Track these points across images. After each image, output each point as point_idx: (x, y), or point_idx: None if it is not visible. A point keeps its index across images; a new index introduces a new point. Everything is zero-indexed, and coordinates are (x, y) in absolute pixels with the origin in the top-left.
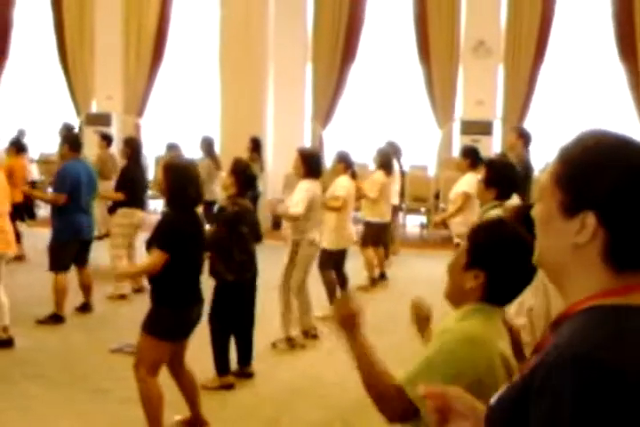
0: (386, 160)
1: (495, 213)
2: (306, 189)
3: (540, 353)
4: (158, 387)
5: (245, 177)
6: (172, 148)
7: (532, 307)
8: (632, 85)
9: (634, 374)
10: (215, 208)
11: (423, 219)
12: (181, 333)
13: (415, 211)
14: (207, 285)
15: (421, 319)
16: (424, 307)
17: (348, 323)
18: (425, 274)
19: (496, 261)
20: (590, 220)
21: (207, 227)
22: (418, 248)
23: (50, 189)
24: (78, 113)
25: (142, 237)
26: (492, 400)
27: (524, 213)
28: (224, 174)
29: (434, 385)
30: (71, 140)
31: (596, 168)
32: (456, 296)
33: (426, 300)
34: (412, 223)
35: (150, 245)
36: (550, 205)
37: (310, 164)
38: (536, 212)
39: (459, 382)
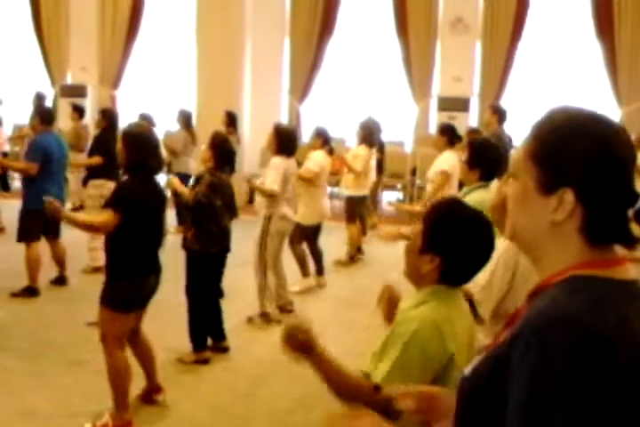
0: (368, 134)
1: (479, 194)
2: (277, 166)
3: (518, 321)
4: (125, 360)
5: (224, 151)
6: (144, 118)
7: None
8: (608, 63)
9: (614, 341)
10: (188, 181)
11: (400, 195)
12: (138, 303)
13: (392, 187)
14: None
15: (390, 303)
16: (396, 291)
17: (303, 349)
18: (399, 249)
19: (450, 244)
20: (568, 197)
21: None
22: (394, 224)
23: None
24: (53, 84)
25: None
26: (466, 371)
27: None
28: (203, 148)
29: (407, 386)
30: (43, 114)
31: (570, 144)
32: (415, 278)
33: (398, 283)
34: (388, 199)
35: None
36: (526, 183)
37: (284, 141)
38: (510, 189)
39: (431, 369)
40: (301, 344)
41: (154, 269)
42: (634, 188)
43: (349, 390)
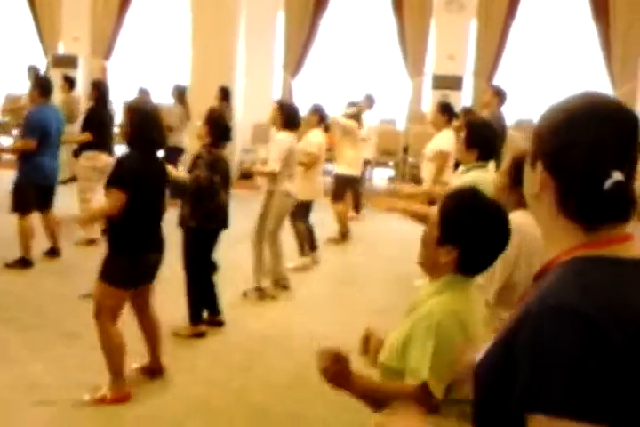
0: (357, 112)
1: (477, 173)
2: (283, 142)
3: (524, 305)
4: (119, 334)
5: (220, 127)
6: (143, 92)
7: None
8: (603, 45)
9: (604, 323)
10: (181, 155)
11: (391, 172)
12: (138, 280)
13: (384, 164)
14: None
15: (372, 350)
16: (376, 337)
17: (340, 379)
18: (393, 227)
19: (469, 235)
20: (539, 168)
21: (179, 174)
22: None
23: (15, 131)
24: (45, 54)
25: None
26: (478, 358)
27: (517, 166)
28: (198, 123)
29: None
30: (42, 85)
31: (544, 120)
32: (431, 268)
33: (377, 330)
34: (381, 176)
35: (107, 186)
36: (527, 157)
37: (288, 116)
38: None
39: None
40: (338, 374)
41: (155, 246)
42: (611, 164)
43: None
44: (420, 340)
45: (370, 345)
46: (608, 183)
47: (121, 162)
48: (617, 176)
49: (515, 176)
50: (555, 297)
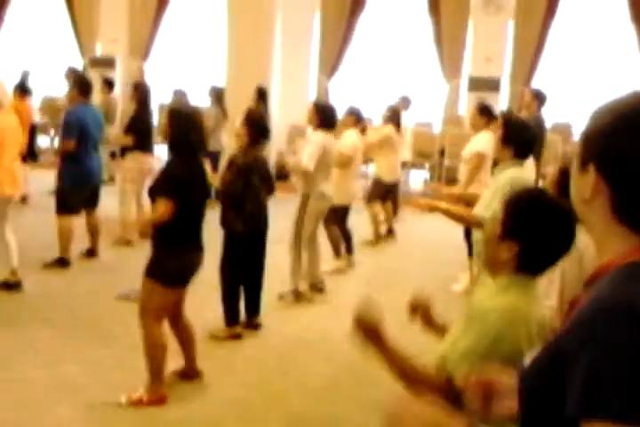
0: (394, 115)
1: (513, 171)
2: (317, 141)
3: (576, 310)
4: (163, 335)
5: (259, 127)
6: (179, 94)
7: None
8: None
9: None
10: (221, 158)
11: (427, 175)
12: (183, 279)
13: (420, 166)
14: (218, 235)
15: (424, 312)
16: (424, 299)
17: (373, 337)
18: (428, 230)
19: (531, 232)
20: (591, 172)
21: (212, 176)
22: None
23: (52, 132)
24: (83, 55)
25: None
26: (527, 360)
27: (565, 176)
28: (237, 124)
29: (478, 371)
30: (81, 84)
31: (596, 121)
32: (492, 266)
33: (424, 290)
34: (416, 179)
35: (153, 192)
36: (575, 162)
37: (324, 115)
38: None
39: (503, 357)
40: (371, 332)
41: (197, 247)
42: None
43: (417, 382)
44: (469, 331)
45: (418, 310)
46: None
47: (166, 170)
48: None
49: (562, 186)
50: (607, 300)
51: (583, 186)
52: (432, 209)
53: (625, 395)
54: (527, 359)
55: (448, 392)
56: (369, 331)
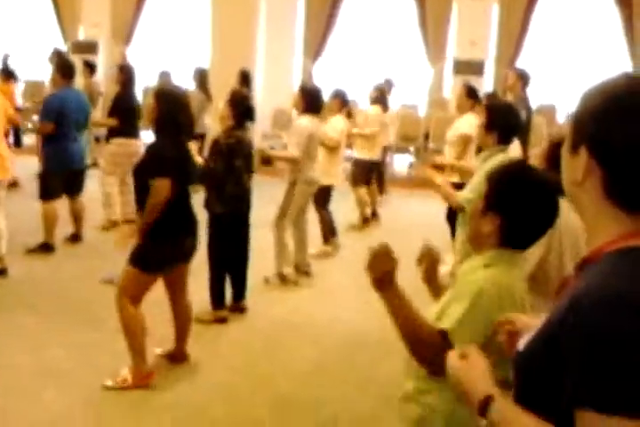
0: (381, 95)
1: (500, 157)
2: (303, 126)
3: (568, 295)
4: (140, 316)
5: (243, 109)
6: (165, 75)
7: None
8: (626, 30)
9: None
10: (205, 141)
11: (412, 158)
12: (168, 264)
13: (404, 150)
14: (203, 218)
15: (431, 264)
16: (435, 252)
17: (385, 280)
18: (414, 213)
19: (513, 205)
20: (583, 154)
21: (198, 159)
22: (405, 187)
23: (35, 117)
24: (65, 40)
25: None
26: (521, 346)
27: (556, 150)
28: (220, 106)
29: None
30: (64, 68)
31: (587, 102)
32: (476, 240)
33: (431, 241)
34: (401, 163)
35: (140, 173)
36: (566, 143)
37: (310, 99)
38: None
39: (491, 328)
40: (385, 274)
41: (188, 229)
42: None
43: (415, 331)
44: (458, 301)
45: (427, 258)
46: None
47: (153, 151)
48: None
49: (552, 160)
50: (601, 288)
51: (575, 168)
52: (429, 177)
53: (621, 386)
54: (520, 344)
55: (435, 348)
56: (382, 273)
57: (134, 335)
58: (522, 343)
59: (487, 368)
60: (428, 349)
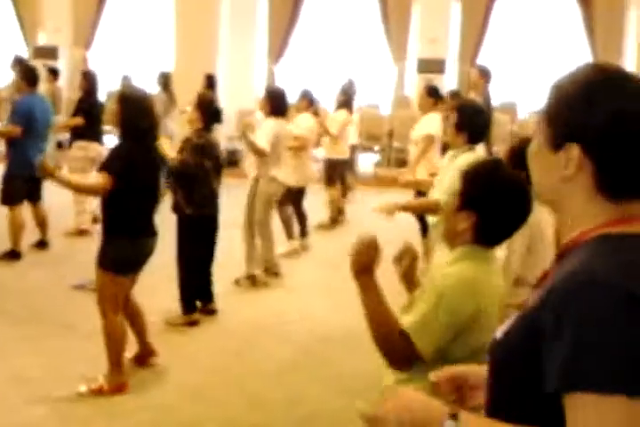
0: (348, 99)
1: (469, 156)
2: (270, 127)
3: (549, 282)
4: (121, 323)
5: (211, 111)
6: (126, 80)
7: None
8: (586, 26)
9: None
10: (171, 144)
11: (376, 157)
12: (135, 265)
13: (369, 149)
14: (172, 220)
15: (411, 262)
16: (415, 250)
17: (366, 269)
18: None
19: (487, 202)
20: (575, 151)
21: (171, 154)
22: (371, 186)
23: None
24: (27, 45)
25: None
26: (498, 334)
27: (519, 149)
28: (188, 109)
29: (441, 370)
30: (28, 75)
31: (571, 100)
32: (450, 237)
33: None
34: (366, 161)
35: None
36: (540, 140)
37: (276, 102)
38: (529, 148)
39: (457, 326)
40: (368, 263)
41: (150, 232)
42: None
43: (381, 325)
44: (424, 299)
45: (404, 259)
46: None
47: (113, 151)
48: None
49: (516, 159)
50: (586, 274)
51: (560, 165)
52: (393, 211)
53: (608, 366)
54: (497, 332)
55: (401, 348)
56: (365, 261)
57: (116, 343)
58: (499, 333)
59: (421, 394)
60: (392, 343)
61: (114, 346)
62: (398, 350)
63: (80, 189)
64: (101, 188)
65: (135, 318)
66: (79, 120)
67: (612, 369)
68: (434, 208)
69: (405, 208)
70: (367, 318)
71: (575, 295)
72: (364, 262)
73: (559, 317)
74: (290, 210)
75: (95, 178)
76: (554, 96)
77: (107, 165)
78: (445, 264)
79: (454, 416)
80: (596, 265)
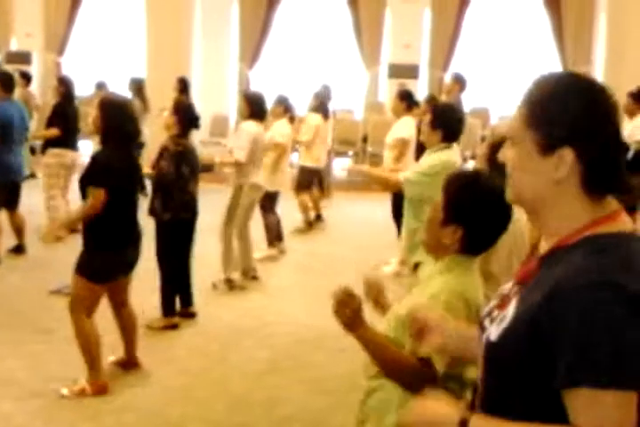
0: (322, 104)
1: (445, 154)
2: (248, 132)
3: (539, 285)
4: (94, 327)
5: (187, 116)
6: (101, 86)
7: None
8: (555, 32)
9: None
10: (141, 149)
11: (350, 162)
12: (115, 274)
13: (343, 154)
14: (151, 225)
15: (378, 295)
16: (378, 282)
17: (354, 321)
18: (356, 216)
19: (473, 215)
20: (568, 155)
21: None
22: (345, 191)
23: None
24: None
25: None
26: (492, 337)
27: (500, 146)
28: (165, 114)
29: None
30: (4, 81)
31: (561, 106)
32: (435, 249)
33: (374, 273)
34: (340, 167)
35: (83, 184)
36: (526, 147)
37: (254, 106)
38: (508, 155)
39: None
40: (351, 317)
41: (132, 240)
42: (622, 138)
43: (395, 366)
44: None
45: (371, 293)
46: (631, 153)
47: (95, 159)
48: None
49: (493, 161)
50: (588, 275)
51: (547, 168)
52: (357, 172)
53: (612, 363)
54: (491, 334)
55: (424, 372)
56: (350, 314)
57: (89, 347)
58: (493, 334)
59: (446, 399)
60: (413, 378)
61: (88, 350)
62: (419, 377)
63: (82, 217)
64: (97, 204)
65: (127, 327)
66: (55, 132)
67: (611, 366)
68: (391, 186)
69: (369, 175)
70: (379, 365)
71: (577, 296)
72: (349, 314)
73: (560, 319)
74: (276, 217)
75: (90, 198)
76: (539, 103)
77: (94, 179)
78: (433, 274)
79: (463, 423)
80: (591, 266)
